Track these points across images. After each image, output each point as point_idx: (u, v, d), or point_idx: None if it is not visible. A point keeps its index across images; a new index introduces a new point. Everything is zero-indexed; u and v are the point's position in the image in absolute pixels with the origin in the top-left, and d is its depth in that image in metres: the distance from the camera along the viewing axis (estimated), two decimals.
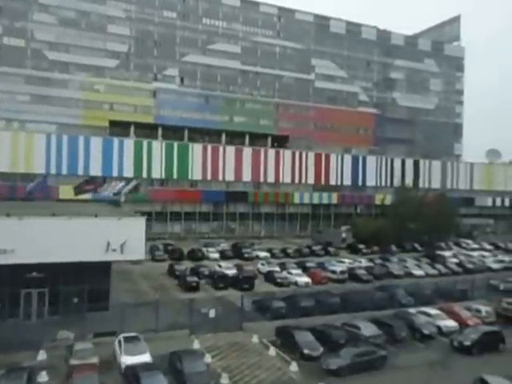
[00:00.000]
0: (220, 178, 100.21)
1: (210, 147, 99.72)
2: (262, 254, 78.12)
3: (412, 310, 43.87)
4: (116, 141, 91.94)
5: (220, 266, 63.16)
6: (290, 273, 60.52)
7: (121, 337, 32.39)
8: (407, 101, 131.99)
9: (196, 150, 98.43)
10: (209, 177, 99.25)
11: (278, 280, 57.78)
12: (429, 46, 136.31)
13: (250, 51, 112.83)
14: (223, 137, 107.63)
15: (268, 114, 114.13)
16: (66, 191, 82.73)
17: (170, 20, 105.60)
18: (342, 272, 61.70)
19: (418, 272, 66.50)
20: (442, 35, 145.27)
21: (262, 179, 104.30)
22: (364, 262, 71.11)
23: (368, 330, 37.28)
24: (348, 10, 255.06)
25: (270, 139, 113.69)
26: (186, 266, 62.66)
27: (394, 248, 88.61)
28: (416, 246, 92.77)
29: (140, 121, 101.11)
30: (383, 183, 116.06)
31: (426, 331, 39.08)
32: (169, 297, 49.29)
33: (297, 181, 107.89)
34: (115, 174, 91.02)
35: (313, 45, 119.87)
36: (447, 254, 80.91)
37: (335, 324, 39.36)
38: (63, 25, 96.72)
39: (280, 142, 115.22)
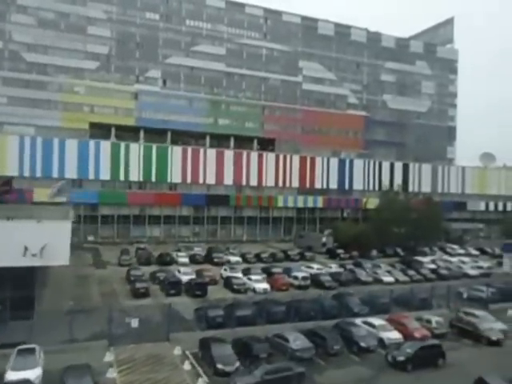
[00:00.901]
0: (200, 180, 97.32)
1: (190, 150, 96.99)
2: (234, 258, 75.07)
3: (357, 321, 40.69)
4: (92, 143, 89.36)
5: (179, 271, 60.11)
6: (249, 279, 57.35)
7: (16, 349, 29.59)
8: (398, 103, 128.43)
9: (175, 152, 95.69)
10: (189, 180, 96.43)
11: (235, 286, 54.69)
12: (421, 48, 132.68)
13: (235, 53, 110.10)
14: (207, 140, 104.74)
15: (254, 116, 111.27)
16: (40, 194, 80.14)
17: (152, 22, 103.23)
18: (304, 278, 58.36)
19: (387, 278, 63.13)
20: (436, 37, 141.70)
21: (244, 182, 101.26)
22: (334, 268, 67.83)
23: (297, 342, 34.15)
24: (343, 14, 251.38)
25: (255, 142, 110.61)
26: (143, 271, 59.69)
27: (374, 253, 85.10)
28: (399, 250, 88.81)
29: (121, 123, 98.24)
30: (371, 187, 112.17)
31: (363, 344, 35.84)
32: (116, 304, 46.30)
33: (281, 184, 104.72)
34: (91, 176, 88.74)
35: (300, 47, 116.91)
36: (425, 259, 77.18)
37: (269, 335, 36.35)
38: (42, 26, 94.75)
39: (267, 144, 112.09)
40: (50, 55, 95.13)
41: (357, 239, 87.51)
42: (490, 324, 41.30)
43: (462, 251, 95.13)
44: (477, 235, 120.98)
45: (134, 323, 36.08)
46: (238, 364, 30.73)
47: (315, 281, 59.44)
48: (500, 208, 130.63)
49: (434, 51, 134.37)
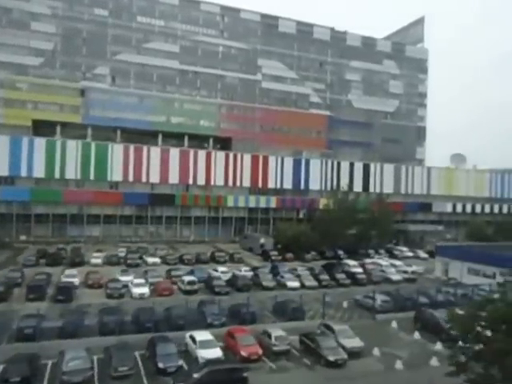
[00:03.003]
0: (144, 179, 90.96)
1: (132, 147, 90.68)
2: (152, 260, 68.54)
3: (187, 335, 33.83)
4: (26, 140, 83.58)
5: (65, 274, 53.77)
6: (131, 283, 50.67)
7: None
8: (364, 103, 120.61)
9: (116, 150, 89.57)
10: (131, 178, 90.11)
11: (108, 291, 48.10)
12: (388, 48, 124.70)
13: (189, 50, 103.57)
14: (159, 138, 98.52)
15: (209, 115, 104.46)
16: None
17: (100, 18, 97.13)
18: (191, 283, 51.43)
19: (292, 283, 55.89)
20: (407, 37, 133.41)
21: (191, 181, 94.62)
22: (243, 271, 60.73)
23: (73, 362, 27.39)
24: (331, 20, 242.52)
25: (211, 141, 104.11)
26: (21, 272, 53.42)
27: (309, 255, 77.73)
28: (340, 252, 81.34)
29: (66, 120, 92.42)
30: (329, 187, 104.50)
31: (161, 365, 29.05)
32: None
33: (231, 183, 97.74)
34: (24, 173, 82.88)
35: (260, 44, 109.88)
36: (352, 263, 69.51)
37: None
38: None
39: (224, 144, 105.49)
40: None
41: (296, 240, 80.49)
42: (343, 340, 34.20)
43: (410, 254, 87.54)
44: (443, 237, 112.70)
45: None
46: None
47: (208, 286, 52.57)
48: (468, 210, 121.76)
49: (402, 50, 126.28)
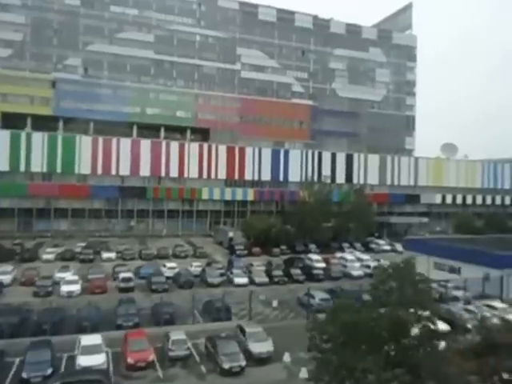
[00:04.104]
0: (113, 172, 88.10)
1: (101, 139, 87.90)
2: (107, 255, 65.79)
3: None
4: None
5: None
6: (63, 280, 47.84)
7: None
8: (349, 92, 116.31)
9: (84, 142, 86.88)
10: (100, 171, 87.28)
11: (35, 289, 45.39)
12: (374, 35, 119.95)
13: (164, 40, 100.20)
14: (134, 129, 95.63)
15: (186, 105, 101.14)
16: None
17: (71, 8, 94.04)
18: (126, 280, 48.43)
19: (240, 280, 52.65)
20: (396, 24, 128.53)
21: (163, 174, 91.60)
22: (194, 267, 57.77)
23: None
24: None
25: (189, 132, 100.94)
26: None
27: (277, 249, 74.39)
28: (312, 246, 77.94)
29: (37, 113, 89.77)
30: (310, 179, 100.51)
31: (24, 374, 25.96)
32: None
33: (205, 175, 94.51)
34: None
35: (238, 33, 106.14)
36: (316, 257, 66.09)
37: None
38: None
39: (203, 135, 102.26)
40: None
41: (266, 234, 77.21)
42: (252, 344, 31.01)
43: (387, 247, 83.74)
44: (431, 230, 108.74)
45: None
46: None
47: (149, 283, 49.60)
48: (459, 201, 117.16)
49: (389, 37, 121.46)
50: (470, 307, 41.73)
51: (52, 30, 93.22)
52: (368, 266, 61.22)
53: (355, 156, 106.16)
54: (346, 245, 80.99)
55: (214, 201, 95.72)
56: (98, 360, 27.68)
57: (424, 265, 61.43)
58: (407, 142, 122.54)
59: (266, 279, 53.47)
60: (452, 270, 57.67)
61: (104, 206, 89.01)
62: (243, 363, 28.71)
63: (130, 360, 28.24)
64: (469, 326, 36.18)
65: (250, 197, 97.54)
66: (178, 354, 29.95)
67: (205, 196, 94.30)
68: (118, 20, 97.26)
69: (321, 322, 20.94)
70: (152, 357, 28.98)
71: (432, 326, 19.98)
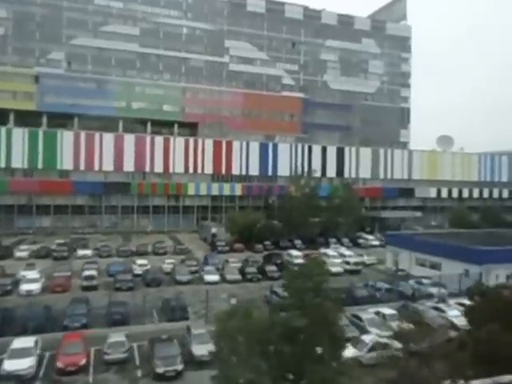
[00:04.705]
0: (96, 167, 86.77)
1: (83, 134, 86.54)
2: (83, 252, 64.51)
3: None
4: None
5: None
6: (23, 278, 46.55)
7: None
8: (342, 84, 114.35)
9: (66, 137, 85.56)
10: (82, 166, 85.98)
11: None
12: (367, 25, 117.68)
13: (150, 33, 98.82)
14: (120, 124, 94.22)
15: (173, 99, 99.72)
16: None
17: (54, 0, 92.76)
18: (88, 278, 47.05)
19: (210, 277, 51.14)
20: (391, 15, 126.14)
21: (148, 169, 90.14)
22: (167, 263, 56.47)
23: None
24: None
25: (176, 126, 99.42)
26: None
27: (260, 245, 72.73)
28: (297, 242, 76.25)
29: (20, 108, 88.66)
30: (299, 173, 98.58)
31: None
32: None
33: (191, 170, 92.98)
34: None
35: (226, 25, 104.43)
36: (296, 253, 64.47)
37: None
38: None
39: (191, 129, 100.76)
40: None
41: (250, 229, 75.63)
42: (196, 346, 29.56)
43: (376, 243, 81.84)
44: (426, 224, 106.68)
45: None
46: None
47: (116, 281, 48.10)
48: (455, 195, 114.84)
49: (382, 28, 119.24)
50: (441, 305, 39.92)
51: (34, 24, 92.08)
52: (348, 263, 59.22)
53: (346, 149, 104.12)
54: (332, 240, 79.03)
55: (200, 196, 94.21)
56: (23, 364, 26.27)
57: (406, 260, 60.12)
58: (402, 135, 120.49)
59: (238, 276, 51.85)
60: (433, 266, 55.99)
61: (87, 202, 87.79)
62: (179, 367, 27.15)
63: (59, 364, 26.88)
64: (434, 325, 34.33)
65: (238, 192, 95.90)
66: (114, 358, 28.46)
67: (191, 191, 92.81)
68: (103, 13, 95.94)
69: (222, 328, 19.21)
70: (84, 361, 27.46)
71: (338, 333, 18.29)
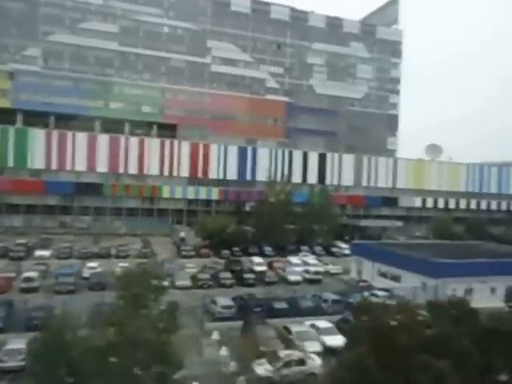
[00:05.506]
0: (68, 167, 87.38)
1: (55, 133, 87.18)
2: (40, 253, 65.08)
3: None
4: None
5: None
6: None
7: None
8: (328, 89, 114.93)
9: (38, 136, 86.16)
10: (54, 166, 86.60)
11: None
12: (357, 29, 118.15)
13: (130, 31, 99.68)
14: (97, 124, 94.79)
15: (152, 100, 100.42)
16: None
17: None
18: (27, 279, 47.44)
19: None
20: (384, 18, 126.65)
21: (121, 170, 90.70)
22: (119, 268, 56.74)
23: None
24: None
25: (155, 128, 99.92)
26: None
27: (226, 251, 73.10)
28: (266, 249, 76.70)
29: None
30: (279, 178, 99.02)
31: None
32: None
33: (167, 173, 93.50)
34: None
35: (209, 25, 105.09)
36: (257, 260, 65.07)
37: None
38: None
39: (171, 131, 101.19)
40: None
41: (219, 235, 76.10)
42: None
43: (349, 252, 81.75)
44: (410, 234, 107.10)
45: None
46: None
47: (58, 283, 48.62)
48: (441, 205, 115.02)
49: (372, 32, 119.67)
50: None
51: (10, 19, 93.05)
52: (308, 271, 59.62)
53: (329, 155, 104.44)
54: (304, 248, 79.41)
55: (176, 199, 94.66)
56: None
57: (369, 271, 60.45)
58: (389, 143, 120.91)
59: (187, 282, 52.22)
60: (393, 278, 56.22)
61: (59, 202, 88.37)
62: None
63: None
64: None
65: (215, 196, 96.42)
66: (10, 366, 28.48)
67: (166, 194, 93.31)
68: (81, 9, 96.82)
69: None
70: None
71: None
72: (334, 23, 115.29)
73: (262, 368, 28.91)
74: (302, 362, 29.29)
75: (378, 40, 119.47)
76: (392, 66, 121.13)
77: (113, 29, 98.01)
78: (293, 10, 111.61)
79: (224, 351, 31.97)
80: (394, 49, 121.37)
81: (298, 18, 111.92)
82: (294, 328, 35.89)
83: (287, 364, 28.88)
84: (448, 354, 19.48)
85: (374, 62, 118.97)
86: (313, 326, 37.47)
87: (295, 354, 30.11)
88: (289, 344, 33.62)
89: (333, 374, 20.38)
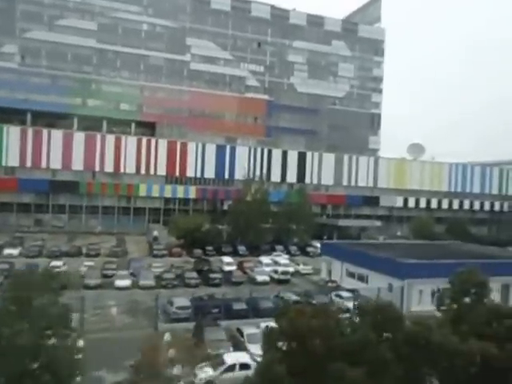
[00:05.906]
0: (43, 165, 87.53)
1: (30, 130, 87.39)
2: (8, 251, 65.22)
3: None
4: None
5: None
6: None
7: None
8: (309, 87, 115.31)
9: (12, 133, 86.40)
10: (29, 163, 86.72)
11: None
12: (338, 27, 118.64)
13: (108, 28, 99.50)
14: (75, 122, 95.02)
15: (130, 97, 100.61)
16: None
17: None
18: None
19: (120, 282, 51.73)
20: (366, 17, 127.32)
21: (97, 168, 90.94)
22: (84, 265, 57.19)
23: None
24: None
25: (133, 126, 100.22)
26: None
27: (198, 250, 73.44)
28: (241, 248, 77.17)
29: None
30: (258, 177, 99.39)
31: None
32: None
33: (143, 171, 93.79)
34: None
35: (189, 22, 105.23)
36: (227, 260, 65.50)
37: None
38: None
39: (150, 129, 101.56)
40: None
41: (192, 234, 76.49)
42: None
43: None
44: (391, 234, 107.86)
45: None
46: None
47: None
48: (423, 205, 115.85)
49: (354, 30, 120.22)
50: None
51: None
52: (276, 271, 60.09)
53: (309, 154, 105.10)
54: (279, 247, 79.93)
55: (152, 198, 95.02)
56: None
57: (338, 271, 60.93)
58: (371, 142, 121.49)
59: (151, 282, 52.50)
60: (360, 278, 56.62)
61: (33, 200, 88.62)
62: None
63: None
64: None
65: (192, 195, 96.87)
66: None
67: (142, 193, 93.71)
68: (59, 6, 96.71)
69: None
70: None
71: None
72: (316, 21, 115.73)
73: (204, 372, 28.92)
74: (246, 366, 28.66)
75: (360, 38, 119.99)
76: (374, 65, 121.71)
77: (91, 26, 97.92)
78: (273, 7, 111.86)
79: (171, 354, 31.95)
80: (376, 47, 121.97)
81: (279, 15, 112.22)
82: (246, 330, 35.37)
83: (231, 368, 28.56)
84: (364, 362, 19.67)
85: (356, 61, 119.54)
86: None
87: (241, 358, 29.96)
88: (239, 347, 33.39)
89: (247, 381, 20.63)
